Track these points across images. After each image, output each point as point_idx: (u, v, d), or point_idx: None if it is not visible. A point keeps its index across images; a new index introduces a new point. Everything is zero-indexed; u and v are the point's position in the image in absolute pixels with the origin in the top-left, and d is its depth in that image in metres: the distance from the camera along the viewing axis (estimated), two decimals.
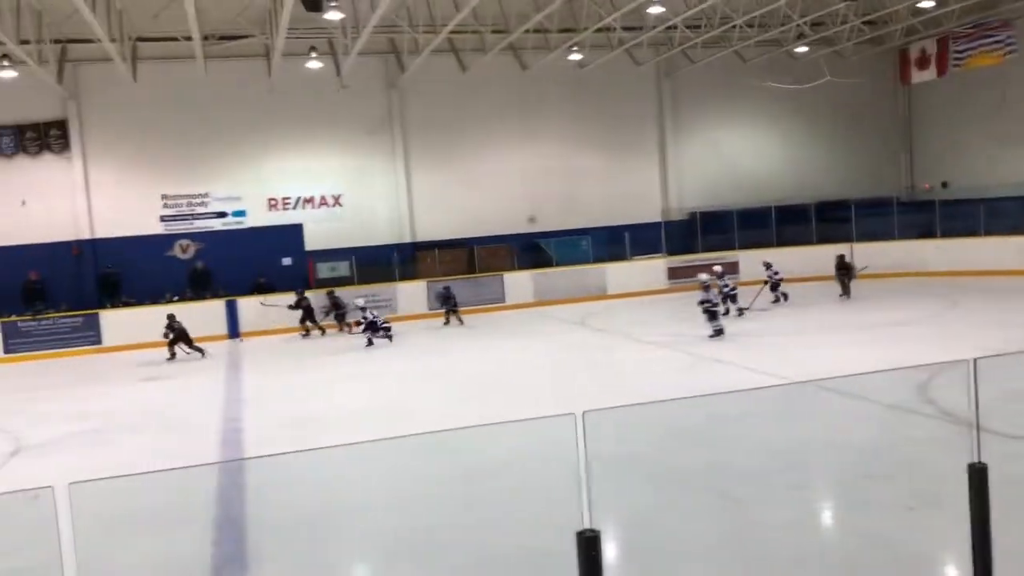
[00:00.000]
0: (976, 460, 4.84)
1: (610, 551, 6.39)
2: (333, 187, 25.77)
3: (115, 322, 22.17)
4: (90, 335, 22.01)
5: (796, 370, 13.02)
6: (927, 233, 26.15)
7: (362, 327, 19.73)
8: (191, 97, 23.90)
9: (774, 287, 21.31)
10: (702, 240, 27.36)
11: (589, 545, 4.15)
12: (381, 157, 26.13)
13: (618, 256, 26.49)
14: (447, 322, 22.56)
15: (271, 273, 23.99)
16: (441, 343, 20.11)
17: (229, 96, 24.34)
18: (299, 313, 22.02)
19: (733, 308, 19.57)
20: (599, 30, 23.27)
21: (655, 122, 28.70)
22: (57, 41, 21.35)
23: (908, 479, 7.97)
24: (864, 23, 25.64)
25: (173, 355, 19.52)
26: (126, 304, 22.93)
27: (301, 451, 6.77)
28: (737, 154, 29.12)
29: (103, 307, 22.73)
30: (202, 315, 21.95)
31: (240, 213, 24.97)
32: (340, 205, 25.85)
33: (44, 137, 23.34)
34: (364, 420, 12.29)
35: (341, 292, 22.68)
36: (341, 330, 21.98)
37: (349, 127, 25.66)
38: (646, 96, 28.47)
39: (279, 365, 18.49)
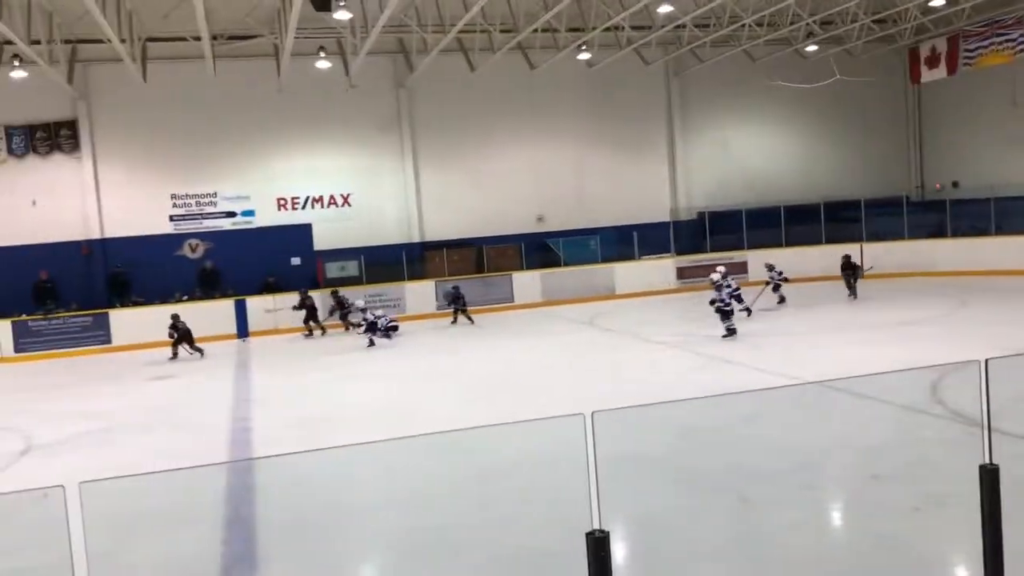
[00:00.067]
0: (987, 461, 4.81)
1: (619, 552, 6.37)
2: (342, 187, 25.81)
3: (125, 321, 22.23)
4: (100, 334, 22.09)
5: (806, 370, 12.98)
6: (937, 233, 26.05)
7: (362, 328, 19.82)
8: (200, 97, 23.97)
9: (775, 288, 21.24)
10: (711, 240, 27.29)
11: (598, 546, 4.15)
12: (390, 157, 26.16)
13: (627, 256, 26.46)
14: (454, 321, 22.64)
15: (280, 273, 24.04)
16: (449, 342, 20.12)
17: (238, 96, 24.40)
18: (303, 313, 22.10)
19: (738, 308, 19.52)
20: (608, 29, 23.23)
21: (664, 121, 28.65)
22: (67, 41, 21.44)
23: (919, 480, 7.93)
24: (874, 21, 25.54)
25: (175, 355, 19.60)
26: (135, 304, 23.00)
27: (310, 451, 6.78)
28: (746, 154, 29.04)
29: (113, 307, 22.81)
30: (211, 315, 22.06)
31: (249, 213, 25.02)
32: (349, 205, 25.88)
33: (54, 137, 23.44)
34: (373, 420, 12.30)
35: (348, 292, 22.73)
36: (347, 329, 22.02)
37: (358, 127, 25.69)
38: (655, 95, 28.43)
39: (287, 365, 18.51)
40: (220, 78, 23.15)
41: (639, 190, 28.08)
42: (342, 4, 17.47)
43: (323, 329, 22.26)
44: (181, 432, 12.60)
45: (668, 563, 6.74)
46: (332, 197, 25.75)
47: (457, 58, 24.98)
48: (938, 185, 29.73)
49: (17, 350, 21.55)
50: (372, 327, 19.63)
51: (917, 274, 24.42)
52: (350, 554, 7.45)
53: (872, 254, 24.60)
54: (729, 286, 19.45)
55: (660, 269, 26.35)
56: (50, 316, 21.95)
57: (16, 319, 21.77)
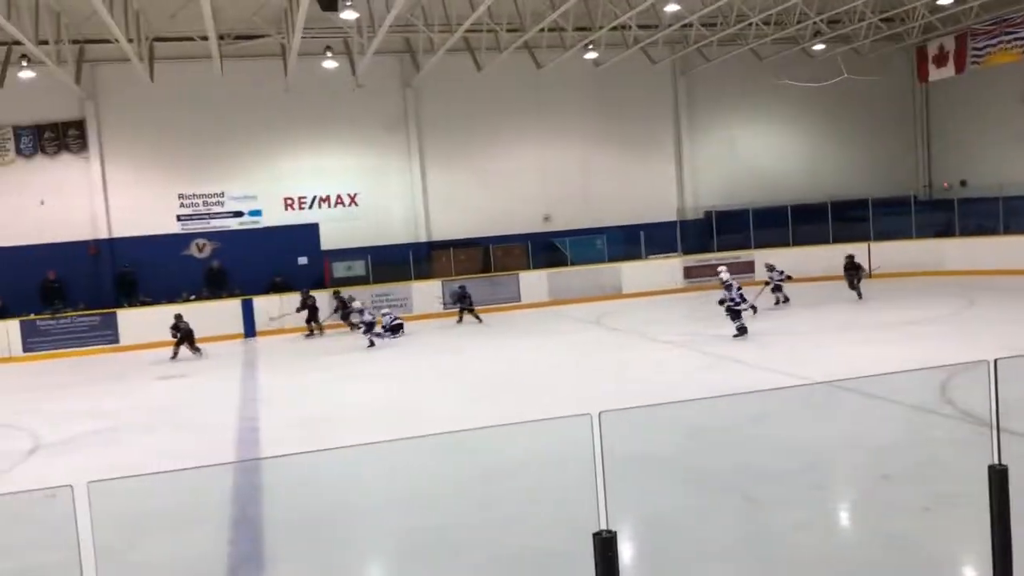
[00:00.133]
0: (996, 461, 4.79)
1: (627, 552, 6.36)
2: (349, 186, 25.83)
3: (132, 321, 22.28)
4: (107, 334, 22.15)
5: (813, 370, 12.95)
6: (945, 232, 25.97)
7: (361, 329, 19.86)
8: (207, 97, 24.01)
9: (775, 289, 21.17)
10: (718, 239, 27.26)
11: (606, 546, 4.14)
12: (396, 156, 26.17)
13: (633, 255, 26.44)
14: (460, 320, 22.68)
15: (287, 272, 24.08)
16: (454, 342, 20.12)
17: (245, 96, 24.43)
18: (306, 313, 22.18)
19: (744, 306, 19.48)
20: (614, 28, 23.20)
21: (671, 120, 28.61)
22: (75, 42, 21.48)
23: (928, 480, 7.91)
24: (882, 20, 25.45)
25: (175, 355, 19.63)
26: (143, 303, 23.04)
27: (317, 451, 6.77)
28: (753, 153, 28.97)
29: (120, 306, 22.86)
30: (218, 314, 22.11)
31: (256, 212, 25.05)
32: (356, 204, 25.89)
33: (62, 137, 23.50)
34: (378, 419, 12.30)
35: (355, 292, 22.77)
36: (350, 329, 22.05)
37: (365, 126, 25.71)
38: (662, 94, 28.38)
39: (289, 365, 18.53)
40: (227, 78, 23.18)
41: (646, 189, 28.03)
42: (349, 4, 17.47)
43: (321, 329, 22.30)
44: (188, 432, 12.63)
45: (676, 563, 6.72)
46: (339, 197, 25.77)
47: (464, 57, 24.97)
48: (946, 184, 29.61)
49: (25, 349, 21.62)
50: (370, 327, 19.69)
51: (925, 273, 24.34)
52: (357, 554, 7.46)
53: (880, 253, 24.53)
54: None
55: (667, 268, 26.32)
56: (58, 316, 22.02)
57: (24, 318, 21.84)
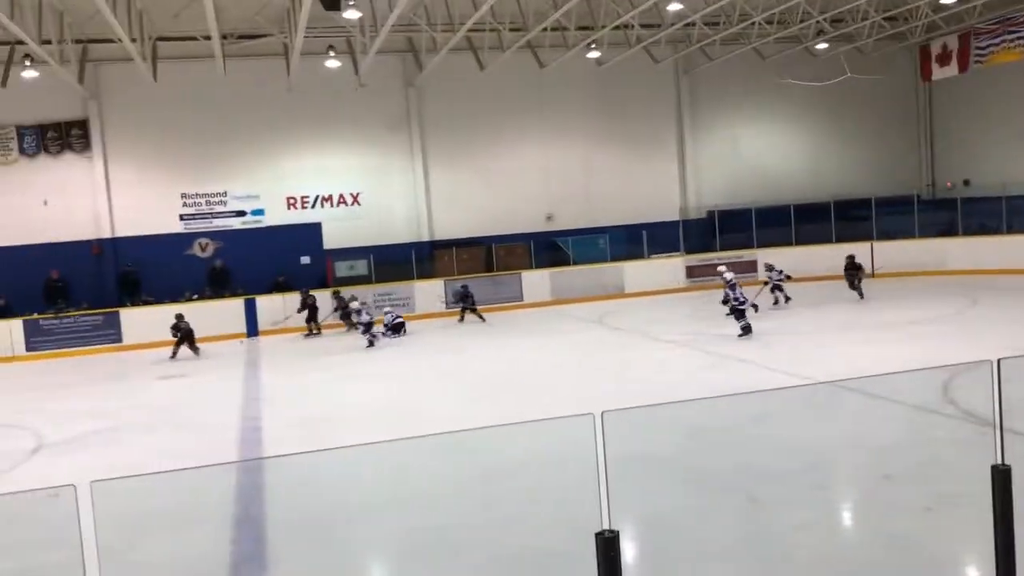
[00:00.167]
0: (999, 462, 4.78)
1: (629, 552, 6.36)
2: (351, 186, 25.84)
3: (135, 320, 22.29)
4: (110, 333, 22.17)
5: (816, 369, 12.94)
6: (948, 231, 25.93)
7: (360, 329, 19.88)
8: (210, 96, 24.02)
9: (774, 289, 21.13)
10: (720, 238, 27.22)
11: (608, 546, 4.13)
12: (399, 156, 26.17)
13: (636, 255, 26.43)
14: (462, 319, 22.69)
15: (290, 272, 24.09)
16: (456, 341, 20.11)
17: (248, 95, 24.45)
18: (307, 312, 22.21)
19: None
20: (617, 28, 23.18)
21: (673, 120, 28.58)
22: (78, 41, 21.50)
23: (931, 480, 7.90)
24: (885, 19, 25.40)
25: (175, 354, 19.64)
26: (146, 303, 23.07)
27: (318, 451, 6.78)
28: (756, 152, 28.94)
29: (123, 305, 22.88)
30: (221, 314, 22.13)
31: (259, 212, 25.07)
32: (358, 204, 25.90)
33: (65, 137, 23.53)
34: (379, 419, 12.30)
35: (357, 291, 22.77)
36: (348, 329, 22.05)
37: (367, 126, 25.71)
38: (664, 94, 28.36)
39: (293, 365, 18.53)
40: (230, 77, 23.19)
41: (648, 188, 28.01)
42: (351, 3, 17.46)
43: (319, 329, 22.31)
44: (190, 431, 12.64)
45: (677, 563, 6.72)
46: (342, 196, 25.78)
47: (466, 57, 24.97)
48: (949, 183, 29.58)
49: (28, 349, 21.65)
50: (368, 327, 19.72)
51: (928, 273, 24.29)
52: (359, 553, 7.46)
53: (882, 253, 24.49)
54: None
55: (669, 268, 26.30)
56: (61, 315, 22.04)
57: (27, 318, 21.86)
